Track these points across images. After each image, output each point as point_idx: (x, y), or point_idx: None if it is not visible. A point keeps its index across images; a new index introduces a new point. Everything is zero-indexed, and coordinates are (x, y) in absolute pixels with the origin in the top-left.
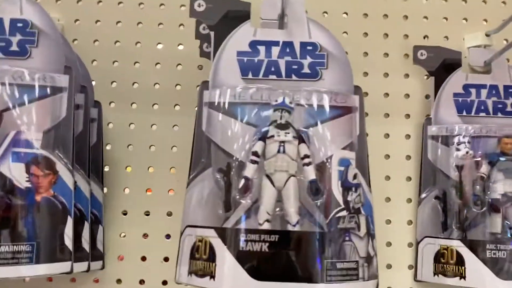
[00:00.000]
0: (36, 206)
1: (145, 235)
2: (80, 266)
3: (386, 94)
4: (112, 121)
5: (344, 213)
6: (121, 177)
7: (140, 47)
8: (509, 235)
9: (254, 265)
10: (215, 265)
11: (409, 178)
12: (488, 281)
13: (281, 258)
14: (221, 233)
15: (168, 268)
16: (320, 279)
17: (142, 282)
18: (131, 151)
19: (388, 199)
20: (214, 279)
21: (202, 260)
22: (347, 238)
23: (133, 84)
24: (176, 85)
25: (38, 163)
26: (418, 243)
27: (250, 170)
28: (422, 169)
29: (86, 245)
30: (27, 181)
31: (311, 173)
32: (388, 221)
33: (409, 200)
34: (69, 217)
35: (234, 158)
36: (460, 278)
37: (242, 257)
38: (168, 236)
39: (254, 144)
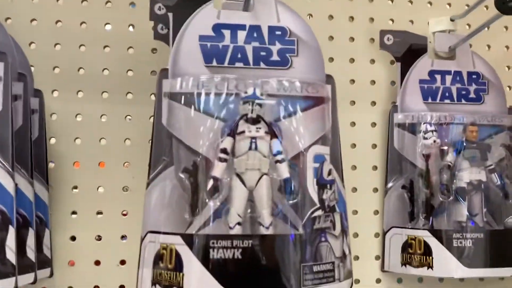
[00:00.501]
0: None
1: (98, 237)
2: (26, 278)
3: (352, 81)
4: (56, 112)
5: (319, 212)
6: (68, 174)
7: (85, 28)
8: (473, 224)
9: (226, 274)
10: (183, 275)
11: (375, 167)
12: (455, 270)
13: (255, 265)
14: (188, 240)
15: (125, 272)
16: (296, 285)
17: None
18: (78, 145)
19: (354, 189)
20: None
21: (168, 270)
22: (323, 239)
23: (78, 69)
24: (128, 70)
25: None
26: (385, 233)
27: (218, 169)
28: (388, 158)
29: (31, 254)
30: None
31: (284, 170)
32: (355, 212)
33: (376, 190)
34: (10, 227)
35: (200, 155)
36: (428, 268)
37: (213, 266)
38: (124, 237)
39: (222, 141)
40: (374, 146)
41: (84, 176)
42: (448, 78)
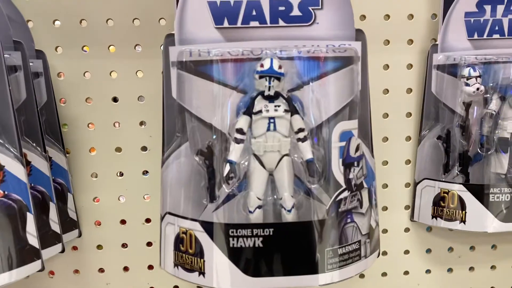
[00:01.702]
0: None
1: (121, 198)
2: (54, 249)
3: (387, 16)
4: (63, 71)
5: (345, 193)
6: (84, 136)
7: None
8: None
9: (248, 262)
10: (204, 261)
11: (409, 114)
12: (490, 225)
13: (277, 252)
14: (208, 227)
15: (150, 230)
16: (320, 269)
17: (124, 245)
18: (90, 105)
19: (385, 138)
20: (204, 276)
21: (189, 254)
22: (349, 220)
23: (80, 21)
24: (134, 19)
25: None
26: (416, 184)
27: (235, 152)
28: (424, 104)
29: (56, 226)
30: None
31: (307, 150)
32: (385, 162)
33: (408, 138)
34: (28, 214)
35: (214, 132)
36: (460, 222)
37: (233, 255)
38: (145, 197)
39: (238, 120)
40: (409, 90)
41: (100, 138)
42: (500, 9)
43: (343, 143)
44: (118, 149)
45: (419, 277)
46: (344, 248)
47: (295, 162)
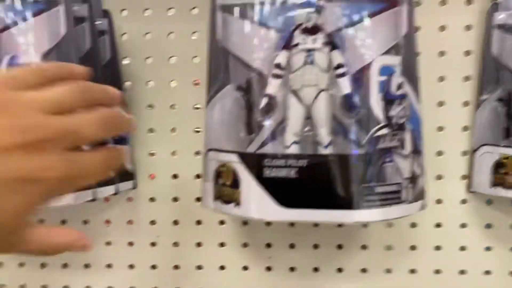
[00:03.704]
0: None
1: (174, 153)
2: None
3: None
4: (127, 32)
5: (385, 130)
6: (142, 93)
7: None
8: None
9: (281, 192)
10: (240, 192)
11: (467, 78)
12: None
13: (311, 184)
14: (244, 158)
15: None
16: (356, 205)
17: (175, 199)
18: (150, 64)
19: (440, 103)
20: (239, 206)
21: (226, 186)
22: (388, 159)
23: None
24: None
25: None
26: (474, 151)
27: (272, 87)
28: (484, 66)
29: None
30: None
31: (345, 85)
32: (440, 128)
33: (466, 104)
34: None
35: (255, 71)
36: None
37: (268, 185)
38: (197, 153)
39: (276, 55)
40: (467, 53)
41: (157, 95)
42: None
43: (384, 78)
44: (173, 107)
45: (477, 254)
46: (382, 187)
47: (333, 97)
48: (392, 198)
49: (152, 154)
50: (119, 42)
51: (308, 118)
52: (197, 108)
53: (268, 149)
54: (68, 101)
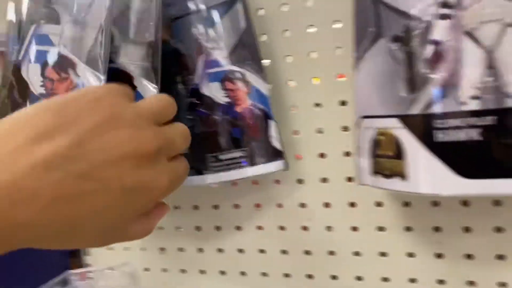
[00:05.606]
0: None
1: (319, 130)
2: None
3: None
4: (264, 7)
5: None
6: (282, 69)
7: None
8: None
9: (460, 160)
10: (405, 163)
11: None
12: None
13: (502, 147)
14: (408, 121)
15: (351, 163)
16: None
17: (324, 180)
18: (288, 37)
19: None
20: (406, 180)
21: (387, 158)
22: None
23: None
24: None
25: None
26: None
27: (440, 30)
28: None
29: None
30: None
31: None
32: None
33: None
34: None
35: (413, 17)
36: None
37: (442, 151)
38: (345, 128)
39: None
40: None
41: (297, 70)
42: None
43: None
44: (315, 80)
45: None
46: None
47: None
48: None
49: (296, 133)
50: (255, 17)
51: (490, 65)
52: (341, 79)
53: (439, 108)
54: (164, 112)
